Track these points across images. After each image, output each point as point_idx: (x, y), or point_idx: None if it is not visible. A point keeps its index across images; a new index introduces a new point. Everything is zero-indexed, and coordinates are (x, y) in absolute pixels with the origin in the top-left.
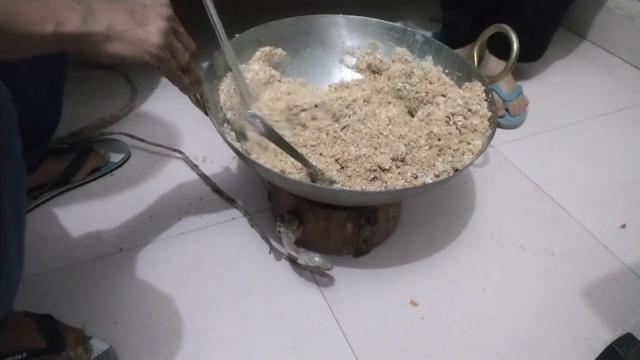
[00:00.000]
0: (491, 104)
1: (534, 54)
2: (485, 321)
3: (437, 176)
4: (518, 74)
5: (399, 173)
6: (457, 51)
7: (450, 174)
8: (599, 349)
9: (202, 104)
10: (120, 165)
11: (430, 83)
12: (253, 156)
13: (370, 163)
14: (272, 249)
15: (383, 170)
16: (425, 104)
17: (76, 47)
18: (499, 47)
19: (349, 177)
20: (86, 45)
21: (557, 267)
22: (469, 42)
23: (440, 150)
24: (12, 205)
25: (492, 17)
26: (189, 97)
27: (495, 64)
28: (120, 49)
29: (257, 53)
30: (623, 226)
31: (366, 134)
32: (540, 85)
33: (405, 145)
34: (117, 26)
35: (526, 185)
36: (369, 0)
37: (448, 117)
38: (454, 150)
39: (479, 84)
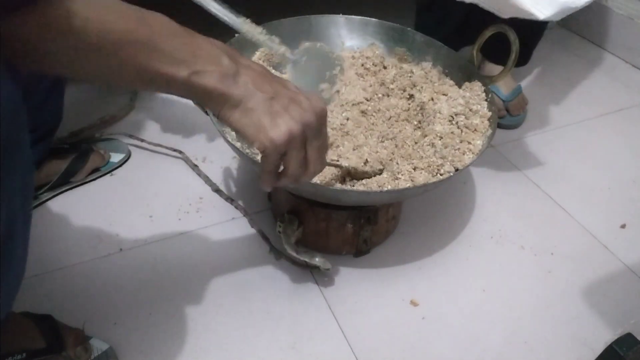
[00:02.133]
0: (491, 103)
1: (521, 56)
2: (485, 321)
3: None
4: (518, 75)
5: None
6: None
7: (451, 174)
8: (599, 349)
9: None
10: (120, 165)
11: (431, 82)
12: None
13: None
14: (272, 249)
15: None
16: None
17: (201, 98)
18: (494, 51)
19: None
20: (212, 102)
21: (557, 267)
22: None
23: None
24: (22, 202)
25: (479, 23)
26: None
27: (491, 68)
28: (239, 122)
29: (257, 53)
30: (623, 226)
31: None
32: (540, 85)
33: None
34: (251, 101)
35: (526, 185)
36: (369, 0)
37: (451, 116)
38: (455, 149)
39: (479, 84)
